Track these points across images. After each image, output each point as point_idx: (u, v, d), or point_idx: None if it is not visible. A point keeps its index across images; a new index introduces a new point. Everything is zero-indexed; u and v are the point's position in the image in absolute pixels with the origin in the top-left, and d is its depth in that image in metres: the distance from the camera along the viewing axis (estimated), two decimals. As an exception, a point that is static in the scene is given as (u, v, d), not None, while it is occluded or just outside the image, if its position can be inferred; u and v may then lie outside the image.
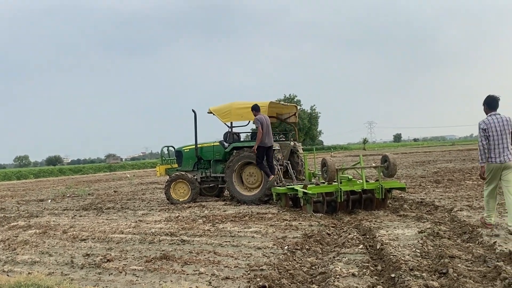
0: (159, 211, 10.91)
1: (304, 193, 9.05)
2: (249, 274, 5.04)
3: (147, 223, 8.94)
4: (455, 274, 4.40)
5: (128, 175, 34.65)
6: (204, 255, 6.05)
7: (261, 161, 10.87)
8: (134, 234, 7.87)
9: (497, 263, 4.66)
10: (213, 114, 12.13)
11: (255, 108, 11.11)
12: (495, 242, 5.60)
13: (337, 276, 4.68)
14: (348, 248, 5.98)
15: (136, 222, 9.19)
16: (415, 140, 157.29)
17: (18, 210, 13.32)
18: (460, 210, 8.21)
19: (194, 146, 12.59)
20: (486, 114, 6.77)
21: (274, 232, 7.27)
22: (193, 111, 12.48)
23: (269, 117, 12.74)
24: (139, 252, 6.50)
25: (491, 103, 6.73)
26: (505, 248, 5.22)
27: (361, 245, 6.02)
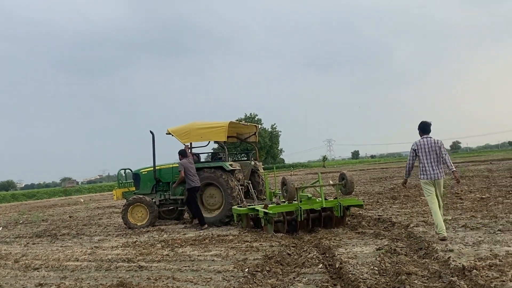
0: (116, 236, 10.64)
1: (265, 213, 9.05)
2: (208, 299, 4.96)
3: (104, 250, 8.70)
4: (412, 291, 4.47)
5: (82, 200, 33.71)
6: (163, 281, 5.92)
7: (195, 203, 11.02)
8: (90, 261, 7.64)
9: (452, 278, 4.78)
10: (172, 135, 12.01)
11: (182, 153, 11.35)
12: (449, 257, 5.74)
13: (297, 298, 4.66)
14: (308, 268, 5.99)
15: (92, 248, 8.93)
16: (372, 156, 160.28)
17: (-33, 239, 12.69)
18: (416, 226, 8.39)
19: (152, 168, 12.39)
20: (420, 137, 7.68)
21: (234, 254, 7.21)
22: (151, 132, 12.32)
23: (230, 137, 12.78)
24: (95, 280, 6.30)
25: (423, 128, 7.68)
26: (459, 263, 5.36)
27: (321, 265, 6.05)
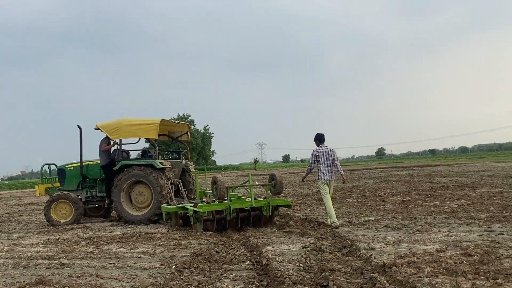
0: (37, 233, 10.14)
1: (195, 211, 9.00)
2: (133, 295, 4.86)
3: (23, 247, 8.27)
4: (335, 287, 4.63)
5: None
6: (85, 278, 5.71)
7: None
8: (7, 258, 7.23)
9: (373, 274, 4.99)
10: (101, 131, 11.65)
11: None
12: (371, 255, 5.99)
13: (224, 293, 4.68)
14: (235, 264, 6.03)
15: (10, 246, 8.46)
16: (302, 160, 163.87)
17: None
18: (341, 226, 8.68)
19: (78, 164, 11.96)
20: (317, 146, 9.28)
21: (162, 252, 7.11)
22: (79, 126, 11.90)
23: (161, 135, 12.62)
24: (12, 278, 5.97)
25: (320, 138, 9.36)
26: (380, 261, 5.60)
27: (248, 261, 6.11)
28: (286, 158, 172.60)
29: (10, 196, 30.95)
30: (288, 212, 10.99)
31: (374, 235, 7.60)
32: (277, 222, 9.71)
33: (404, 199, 12.87)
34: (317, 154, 9.16)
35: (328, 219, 8.97)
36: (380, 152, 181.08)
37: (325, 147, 9.23)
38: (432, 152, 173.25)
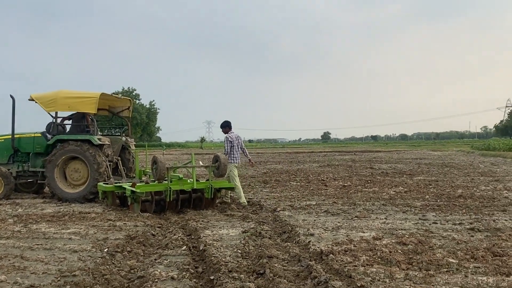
0: (-40, 209, 9.47)
1: (132, 191, 8.66)
2: (59, 280, 4.57)
3: None
4: (271, 274, 4.53)
5: None
6: (9, 260, 5.34)
7: None
8: None
9: (310, 262, 4.94)
10: (36, 102, 10.98)
11: None
12: (309, 241, 5.95)
13: (156, 280, 4.48)
14: (171, 249, 5.83)
15: None
16: (250, 141, 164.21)
17: None
18: (283, 210, 8.65)
19: (10, 136, 11.25)
20: (226, 132, 10.11)
21: (95, 233, 6.78)
22: (12, 96, 11.16)
23: (100, 109, 12.07)
24: None
25: (229, 125, 10.21)
26: (318, 248, 5.57)
27: (185, 246, 5.91)
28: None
29: None
30: (231, 195, 10.83)
31: (314, 220, 7.61)
32: (218, 205, 9.55)
33: (345, 184, 13.06)
34: (231, 140, 9.95)
35: (238, 198, 9.79)
36: (326, 136, 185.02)
37: (235, 133, 10.15)
38: (374, 138, 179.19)
